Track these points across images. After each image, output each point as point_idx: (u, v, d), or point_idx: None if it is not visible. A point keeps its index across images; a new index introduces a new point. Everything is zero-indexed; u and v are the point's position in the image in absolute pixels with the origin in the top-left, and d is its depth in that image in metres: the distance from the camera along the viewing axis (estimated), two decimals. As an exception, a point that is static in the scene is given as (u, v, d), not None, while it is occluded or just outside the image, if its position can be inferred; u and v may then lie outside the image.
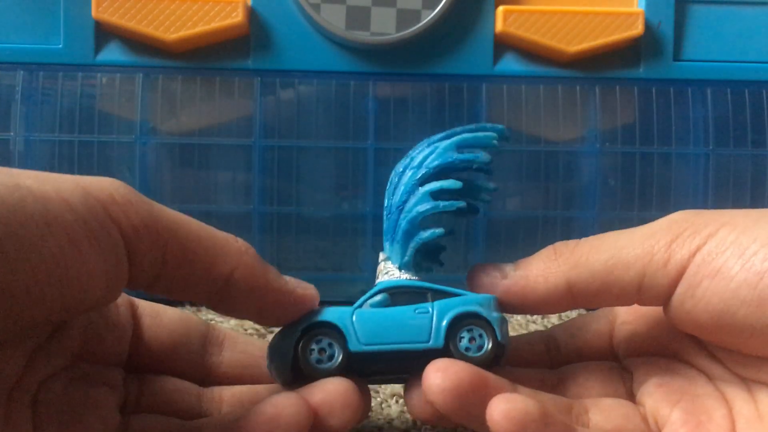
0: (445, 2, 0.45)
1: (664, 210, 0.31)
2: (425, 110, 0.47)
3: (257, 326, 0.45)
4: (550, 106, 0.47)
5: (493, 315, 0.30)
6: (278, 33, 0.46)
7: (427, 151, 0.32)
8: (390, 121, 0.47)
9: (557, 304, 0.29)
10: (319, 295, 0.30)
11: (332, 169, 0.47)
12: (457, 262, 0.46)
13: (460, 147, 0.31)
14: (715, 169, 0.47)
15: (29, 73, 0.46)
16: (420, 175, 0.31)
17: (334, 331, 0.30)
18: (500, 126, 0.33)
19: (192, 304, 0.49)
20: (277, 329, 0.31)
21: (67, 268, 0.22)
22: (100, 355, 0.29)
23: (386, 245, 0.32)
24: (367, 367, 0.30)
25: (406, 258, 0.31)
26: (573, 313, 0.41)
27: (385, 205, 0.32)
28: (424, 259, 0.32)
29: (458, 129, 0.32)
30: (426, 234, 0.31)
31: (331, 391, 0.28)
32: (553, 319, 0.46)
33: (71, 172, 0.46)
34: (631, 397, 0.31)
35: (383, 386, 0.38)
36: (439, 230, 0.31)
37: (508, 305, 0.30)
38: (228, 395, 0.31)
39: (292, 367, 0.29)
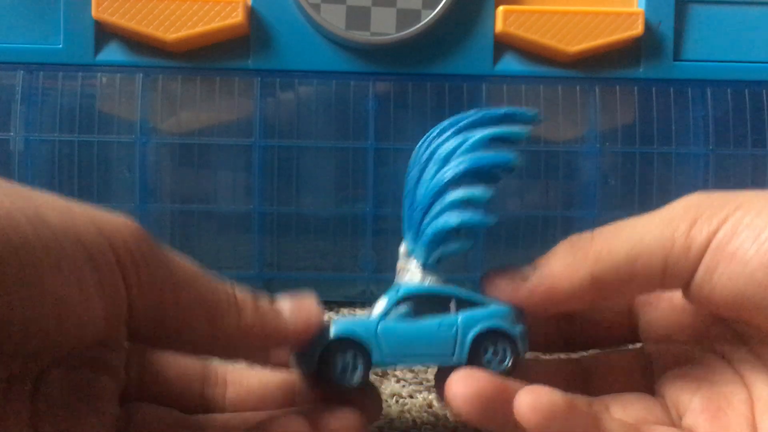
0: (445, 2, 0.45)
1: (665, 210, 0.31)
2: (425, 110, 0.47)
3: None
4: (550, 106, 0.47)
5: (517, 330, 0.30)
6: (278, 33, 0.46)
7: (453, 142, 0.30)
8: (390, 121, 0.47)
9: (582, 301, 0.29)
10: (319, 311, 0.30)
11: (332, 169, 0.47)
12: (458, 263, 0.46)
13: (492, 141, 0.30)
14: (715, 169, 0.47)
15: (29, 73, 0.46)
16: (447, 178, 0.30)
17: (359, 344, 0.29)
18: (532, 111, 0.31)
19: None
20: None
21: (70, 306, 0.22)
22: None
23: (408, 240, 0.31)
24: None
25: (430, 261, 0.31)
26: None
27: (406, 192, 0.31)
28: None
29: (486, 114, 0.30)
30: (455, 246, 0.30)
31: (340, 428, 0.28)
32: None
33: (71, 172, 0.46)
34: (650, 387, 0.31)
35: (383, 386, 0.38)
36: (468, 243, 0.30)
37: (531, 308, 0.30)
38: (232, 378, 0.31)
39: (317, 375, 0.30)
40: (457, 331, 0.29)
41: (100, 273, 0.24)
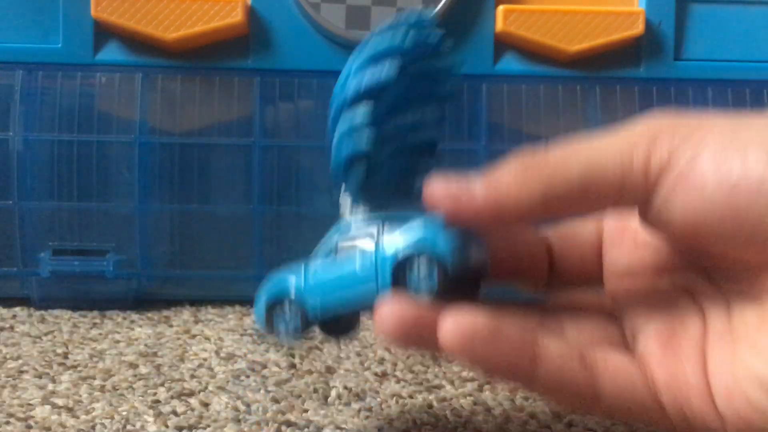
0: (446, 1, 0.45)
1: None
2: (425, 110, 0.47)
3: (254, 327, 0.45)
4: (551, 106, 0.47)
5: (446, 246, 0.27)
6: (278, 32, 0.46)
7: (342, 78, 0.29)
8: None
9: (531, 219, 0.28)
10: None
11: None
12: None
13: (373, 59, 0.28)
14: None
15: (28, 73, 0.46)
16: (335, 107, 0.29)
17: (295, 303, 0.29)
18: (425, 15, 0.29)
19: (191, 305, 0.49)
20: None
21: None
22: None
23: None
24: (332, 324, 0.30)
25: (349, 194, 0.30)
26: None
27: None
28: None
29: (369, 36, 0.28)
30: (355, 176, 0.29)
31: None
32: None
33: (70, 172, 0.46)
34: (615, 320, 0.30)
35: (383, 386, 0.38)
36: (360, 172, 0.28)
37: (475, 223, 0.28)
38: None
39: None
40: (376, 262, 0.28)
41: None
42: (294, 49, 0.46)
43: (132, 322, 0.46)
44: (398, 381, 0.39)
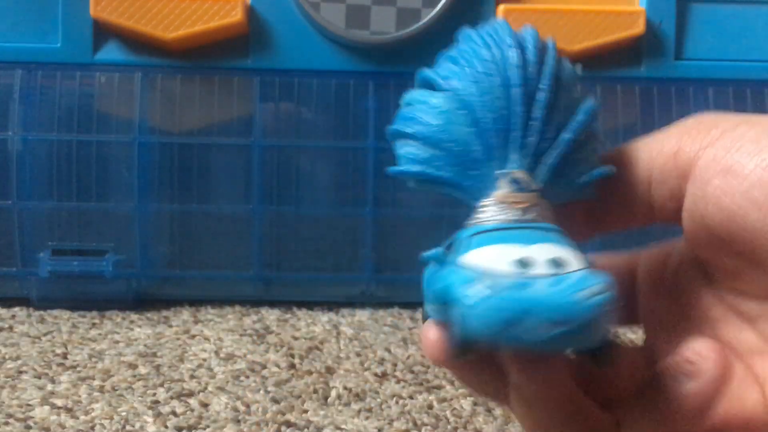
0: (446, 1, 0.45)
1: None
2: (425, 109, 0.47)
3: (254, 327, 0.45)
4: (551, 106, 0.47)
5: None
6: (278, 32, 0.46)
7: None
8: (390, 120, 0.47)
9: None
10: None
11: (332, 169, 0.47)
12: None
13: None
14: (717, 168, 0.47)
15: (27, 73, 0.46)
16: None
17: None
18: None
19: (191, 305, 0.48)
20: None
21: None
22: None
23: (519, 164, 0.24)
24: None
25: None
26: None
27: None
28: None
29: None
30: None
31: None
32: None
33: (69, 172, 0.46)
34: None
35: (383, 386, 0.38)
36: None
37: None
38: None
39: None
40: None
41: None
42: (294, 48, 0.46)
43: (131, 322, 0.46)
44: (398, 381, 0.39)
